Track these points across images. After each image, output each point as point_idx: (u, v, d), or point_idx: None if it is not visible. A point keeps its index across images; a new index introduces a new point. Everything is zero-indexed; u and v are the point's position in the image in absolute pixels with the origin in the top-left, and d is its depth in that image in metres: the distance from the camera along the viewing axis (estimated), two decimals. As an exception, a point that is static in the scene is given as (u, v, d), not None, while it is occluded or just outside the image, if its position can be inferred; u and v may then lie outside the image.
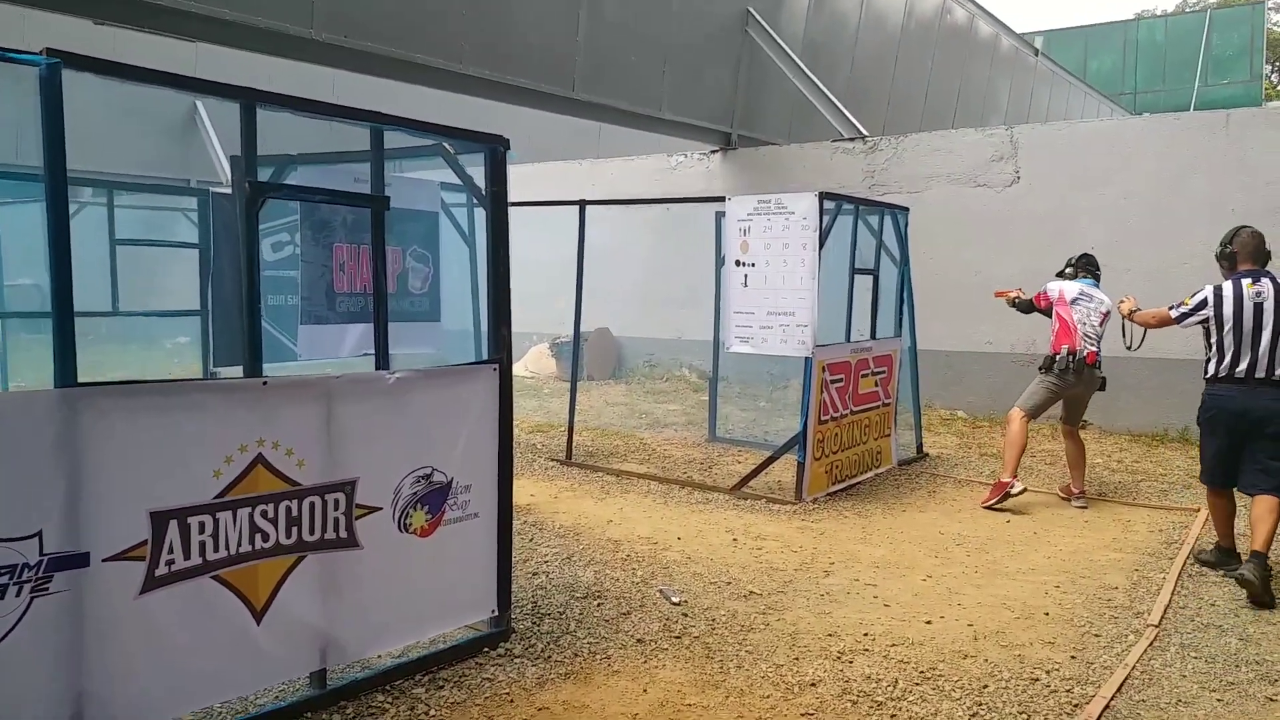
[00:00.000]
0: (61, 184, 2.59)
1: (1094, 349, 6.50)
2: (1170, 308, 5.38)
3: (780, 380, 10.83)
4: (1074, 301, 6.55)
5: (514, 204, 8.19)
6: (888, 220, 7.62)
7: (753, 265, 6.59)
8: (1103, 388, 6.67)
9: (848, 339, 7.22)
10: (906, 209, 7.76)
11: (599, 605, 4.48)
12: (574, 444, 8.45)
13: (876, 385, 7.46)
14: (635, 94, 10.11)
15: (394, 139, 3.88)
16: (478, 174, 3.96)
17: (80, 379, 2.67)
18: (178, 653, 2.92)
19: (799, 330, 6.40)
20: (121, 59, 2.73)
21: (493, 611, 3.97)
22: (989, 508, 6.45)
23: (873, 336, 7.41)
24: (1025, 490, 6.46)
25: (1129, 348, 6.03)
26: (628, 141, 14.16)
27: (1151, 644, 4.15)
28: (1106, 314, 6.59)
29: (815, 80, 11.19)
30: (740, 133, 11.83)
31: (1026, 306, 6.95)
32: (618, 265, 12.24)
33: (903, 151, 10.40)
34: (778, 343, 6.53)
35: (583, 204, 7.46)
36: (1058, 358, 6.50)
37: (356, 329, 5.57)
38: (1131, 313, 5.79)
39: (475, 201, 4.34)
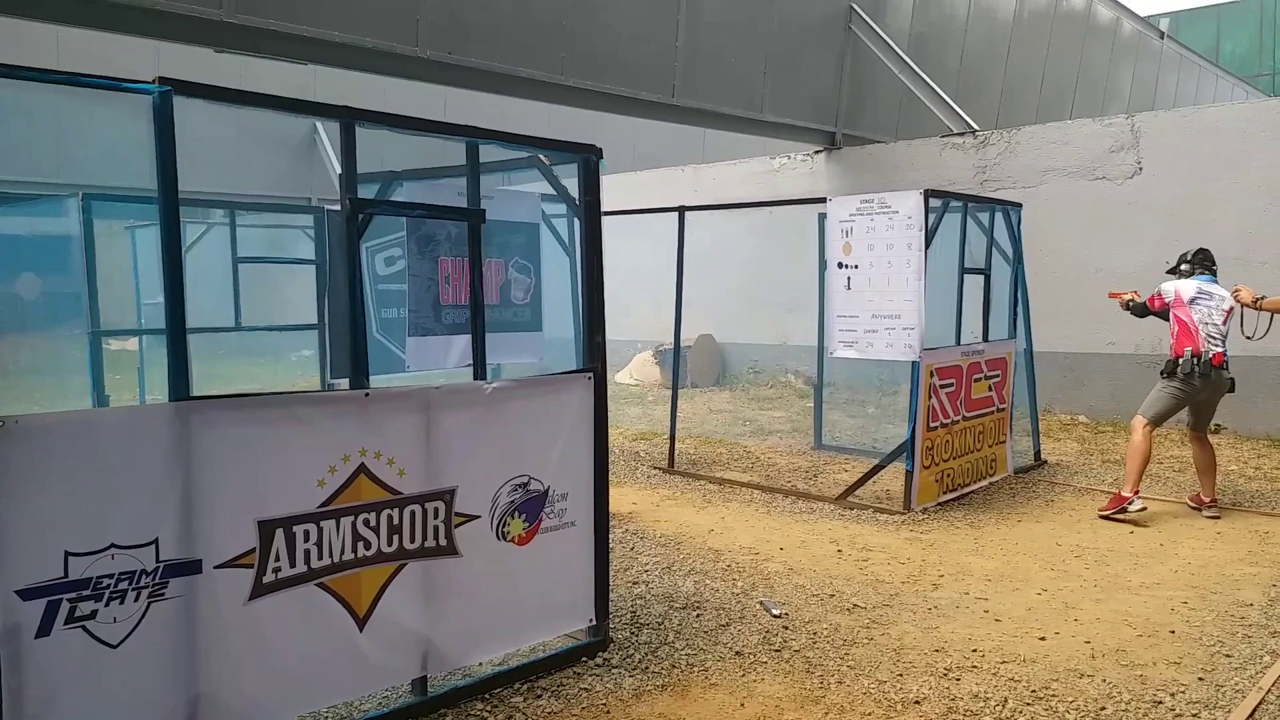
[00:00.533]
0: (173, 205, 2.71)
1: (1220, 349, 6.10)
2: None
3: (890, 386, 10.59)
4: (1193, 301, 6.15)
5: (613, 212, 8.25)
6: (999, 217, 7.33)
7: (856, 267, 6.44)
8: (1231, 389, 6.25)
9: (958, 342, 6.98)
10: (1019, 205, 7.46)
11: (698, 616, 4.44)
12: (677, 452, 8.44)
13: (990, 390, 7.20)
14: (736, 96, 10.04)
15: (492, 153, 3.95)
16: (575, 184, 3.99)
17: (210, 391, 2.79)
18: (285, 657, 3.02)
19: (905, 333, 6.22)
20: (245, 84, 2.85)
21: (590, 621, 3.98)
22: (1105, 517, 6.13)
23: (985, 339, 7.15)
24: (1145, 509, 6.08)
25: (1250, 337, 5.63)
26: (733, 145, 14.08)
27: (1291, 667, 3.86)
28: (1230, 310, 6.18)
29: (922, 75, 10.89)
30: (845, 131, 11.62)
31: (1141, 310, 6.58)
32: (720, 271, 12.21)
33: (1015, 145, 10.02)
34: (883, 346, 6.36)
35: (682, 210, 7.44)
36: (1180, 361, 6.11)
37: (462, 340, 5.68)
38: (1258, 300, 5.43)
39: (572, 212, 4.36)
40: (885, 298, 6.29)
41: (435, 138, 3.38)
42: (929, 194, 6.08)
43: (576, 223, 6.02)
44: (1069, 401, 9.63)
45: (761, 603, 4.62)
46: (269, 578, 2.97)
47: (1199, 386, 6.14)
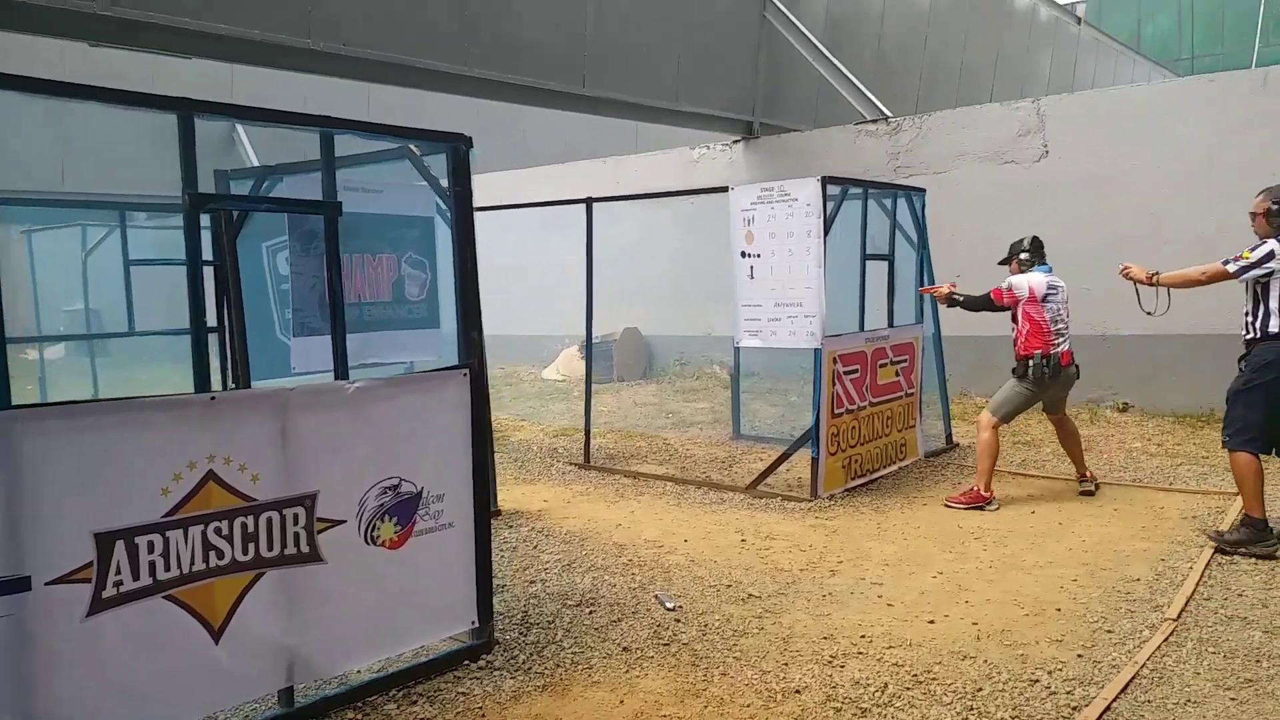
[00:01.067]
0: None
1: (1067, 347, 6.12)
2: (1225, 262, 5.07)
3: (811, 374, 10.62)
4: (1045, 299, 6.06)
5: (520, 205, 8.14)
6: (904, 203, 7.38)
7: (758, 256, 6.43)
8: (1078, 376, 6.31)
9: (861, 328, 7.02)
10: (923, 190, 7.52)
11: (590, 613, 4.39)
12: (596, 447, 8.39)
13: (898, 375, 7.25)
14: (649, 87, 9.97)
15: (364, 144, 3.84)
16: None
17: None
18: (133, 674, 2.89)
19: (807, 321, 6.23)
20: (158, 84, 2.71)
21: (473, 623, 3.89)
22: (950, 507, 6.12)
23: (890, 325, 7.19)
24: (999, 508, 6.06)
25: (1151, 313, 5.63)
26: (666, 136, 13.92)
27: (1167, 639, 3.93)
28: (1068, 299, 6.21)
29: (836, 63, 10.94)
30: (763, 120, 11.64)
31: (980, 303, 6.37)
32: (644, 263, 12.17)
33: (927, 131, 10.12)
34: (786, 335, 6.37)
35: (589, 201, 7.37)
36: (1032, 363, 6.05)
37: (352, 339, 5.55)
38: (1152, 276, 5.48)
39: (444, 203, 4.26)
40: (787, 286, 6.29)
41: (288, 128, 3.25)
42: (826, 181, 6.09)
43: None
44: (983, 384, 9.71)
45: (656, 596, 4.58)
46: (110, 592, 2.84)
47: (1050, 385, 6.14)
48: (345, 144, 3.82)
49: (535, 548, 5.48)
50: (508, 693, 3.58)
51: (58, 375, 10.31)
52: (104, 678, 2.84)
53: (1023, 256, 6.28)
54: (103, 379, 9.04)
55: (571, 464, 7.79)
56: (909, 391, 7.40)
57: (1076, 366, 6.23)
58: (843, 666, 3.77)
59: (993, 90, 17.11)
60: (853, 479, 6.69)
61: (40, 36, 6.22)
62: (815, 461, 6.34)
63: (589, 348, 7.81)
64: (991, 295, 6.26)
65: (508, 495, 6.78)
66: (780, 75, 11.61)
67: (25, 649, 2.67)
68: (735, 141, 11.86)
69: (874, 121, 10.58)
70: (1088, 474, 6.45)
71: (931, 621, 4.23)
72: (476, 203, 3.87)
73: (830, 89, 11.36)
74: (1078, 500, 6.28)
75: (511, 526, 5.93)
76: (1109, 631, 4.06)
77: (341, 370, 3.49)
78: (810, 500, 6.33)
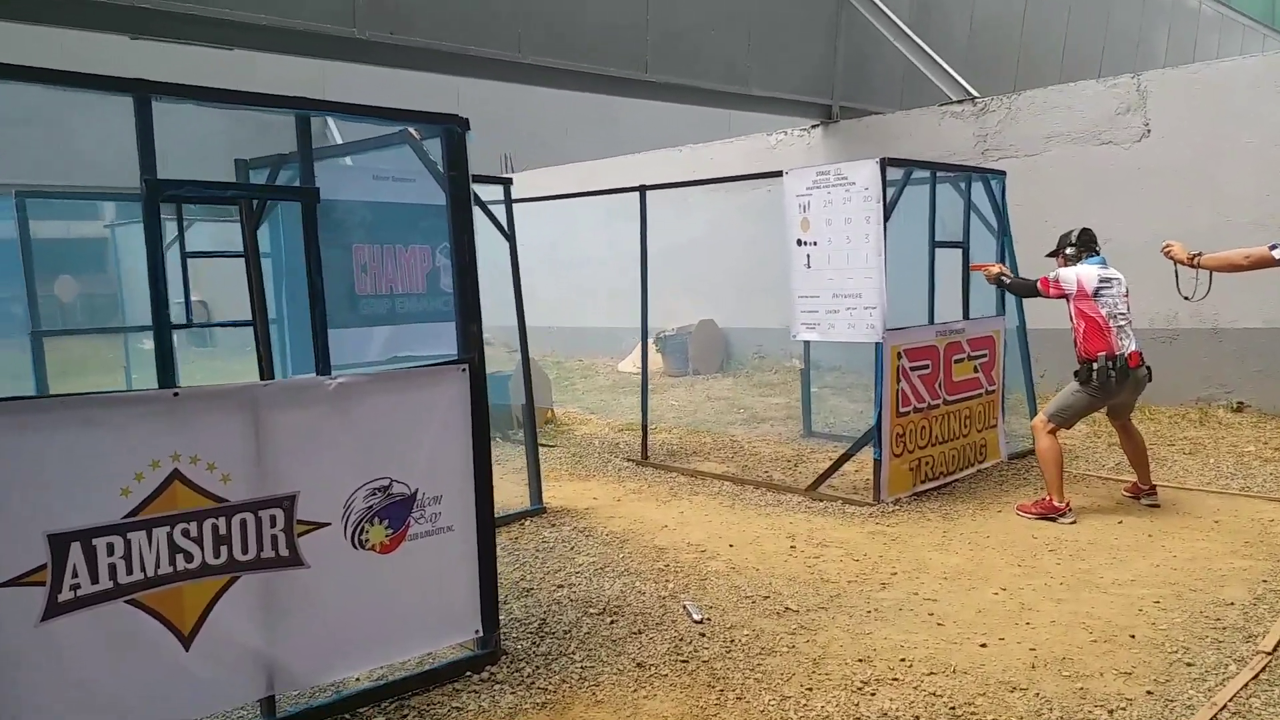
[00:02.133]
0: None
1: (1135, 347, 5.50)
2: (1273, 247, 4.52)
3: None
4: (1097, 293, 5.48)
5: (569, 195, 7.91)
6: (981, 187, 6.84)
7: (815, 244, 6.04)
8: (1150, 379, 5.68)
9: (931, 320, 6.53)
10: (1002, 172, 6.96)
11: (611, 623, 4.11)
12: (659, 443, 8.13)
13: (976, 371, 6.73)
14: (717, 71, 9.60)
15: (366, 130, 3.65)
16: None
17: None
18: (94, 682, 2.76)
19: (867, 313, 5.81)
20: (247, 80, 2.60)
21: (476, 632, 3.67)
22: (1023, 515, 5.61)
23: (965, 317, 6.68)
24: (1076, 521, 5.46)
25: (1188, 298, 5.06)
26: (760, 122, 13.43)
27: (1256, 676, 3.42)
28: (1128, 292, 5.61)
29: (920, 42, 10.35)
30: (843, 104, 11.12)
31: (1026, 289, 5.89)
32: (721, 253, 11.82)
33: (1016, 111, 9.46)
34: (845, 328, 5.96)
35: (643, 189, 7.08)
36: (1096, 368, 5.46)
37: (384, 331, 5.43)
38: (1194, 257, 4.90)
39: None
40: (846, 276, 5.88)
41: (255, 110, 3.08)
42: (886, 163, 5.65)
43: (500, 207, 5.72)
44: (1078, 380, 9.07)
45: (684, 607, 4.27)
46: (66, 595, 2.70)
47: (1116, 390, 5.54)
48: (361, 130, 3.65)
49: (572, 549, 5.24)
50: (503, 710, 3.33)
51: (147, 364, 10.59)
52: (63, 685, 2.70)
53: (1069, 251, 5.73)
54: (200, 369, 9.24)
55: (629, 460, 7.53)
56: (989, 389, 6.87)
57: (1148, 369, 5.62)
58: (873, 695, 3.39)
59: (1100, 71, 16.07)
60: (922, 482, 6.23)
61: (88, 31, 6.28)
62: (878, 463, 5.92)
63: (644, 341, 7.53)
64: (1039, 284, 5.74)
65: (559, 491, 6.57)
66: (861, 56, 11.08)
67: (-28, 654, 2.55)
68: (814, 126, 11.38)
69: (959, 102, 9.97)
70: (1151, 486, 5.83)
71: (984, 645, 3.80)
72: (557, 191, 3.64)
73: (915, 70, 10.77)
74: (1173, 511, 5.68)
75: (554, 525, 5.71)
76: (1189, 664, 3.56)
77: (324, 366, 3.30)
78: (873, 505, 5.91)
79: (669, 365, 12.23)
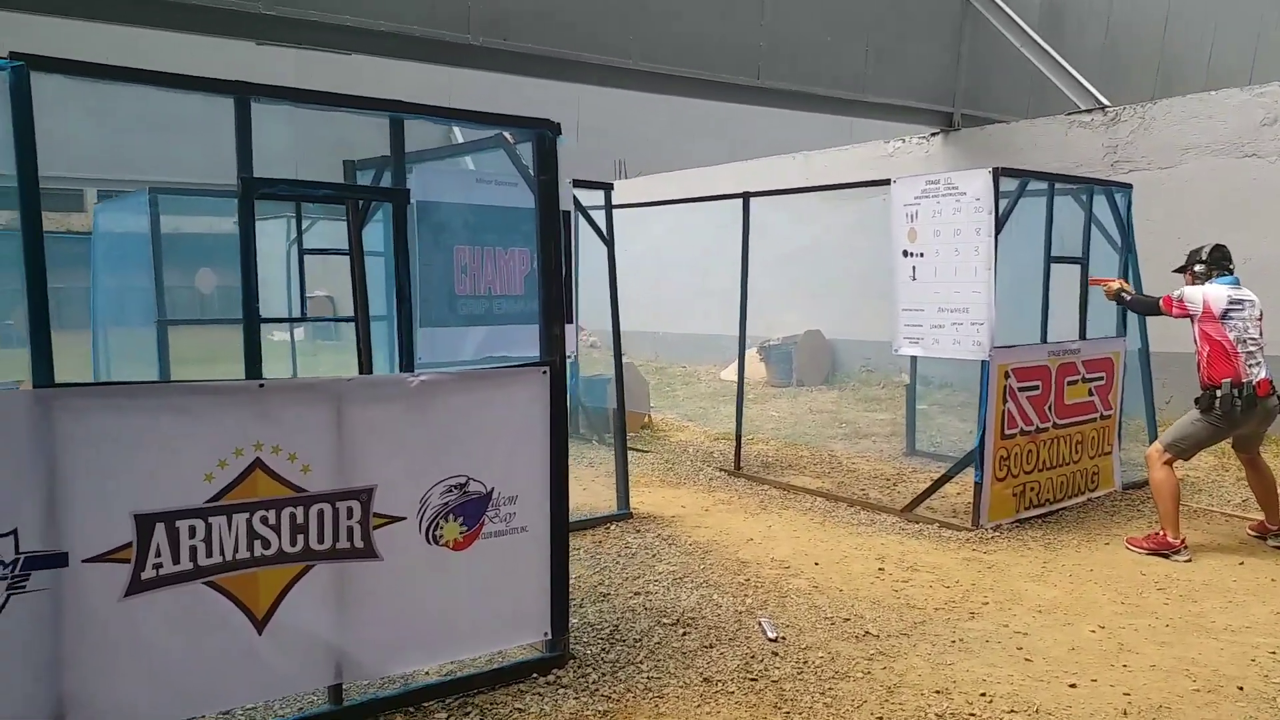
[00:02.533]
0: (33, 189, 2.60)
1: (1265, 375, 5.08)
2: None
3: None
4: (1226, 316, 5.10)
5: (674, 201, 7.88)
6: (1103, 201, 6.49)
7: (921, 255, 5.84)
8: (1279, 409, 5.24)
9: (1044, 339, 6.22)
10: (1128, 186, 6.59)
11: (684, 634, 4.06)
12: (754, 454, 8.04)
13: (1091, 394, 6.39)
14: (832, 77, 9.41)
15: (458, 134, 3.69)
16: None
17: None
18: (168, 658, 2.88)
19: (974, 329, 5.58)
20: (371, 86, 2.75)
21: (545, 634, 3.67)
22: (1132, 549, 5.27)
23: (1082, 336, 6.35)
24: (1192, 559, 5.11)
25: None
26: (882, 129, 13.15)
27: (1381, 744, 3.11)
28: (1262, 316, 5.20)
29: (1048, 48, 9.92)
30: (965, 111, 10.75)
31: (1148, 306, 5.55)
32: (831, 263, 11.59)
33: (1150, 121, 8.95)
34: (950, 344, 5.74)
35: (746, 196, 7.00)
36: (1220, 395, 5.08)
37: (479, 331, 5.51)
38: None
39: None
40: (953, 289, 5.67)
41: (354, 113, 3.15)
42: (1000, 172, 5.42)
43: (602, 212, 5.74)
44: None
45: (760, 623, 4.18)
46: (148, 574, 2.83)
47: (1241, 420, 5.13)
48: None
49: (654, 556, 5.20)
50: (565, 714, 3.32)
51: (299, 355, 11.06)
52: (140, 658, 2.83)
53: (1198, 268, 5.36)
54: (325, 361, 9.63)
55: (721, 470, 7.45)
56: (1105, 413, 6.51)
57: (1279, 397, 5.21)
58: (948, 729, 3.24)
59: (1251, 79, 15.08)
60: (1026, 509, 5.95)
61: (216, 37, 6.61)
62: (978, 487, 5.68)
63: (741, 350, 7.44)
64: (1161, 302, 5.39)
65: (648, 497, 6.55)
66: (985, 62, 10.68)
67: (60, 625, 2.69)
68: (934, 134, 11.04)
69: (1088, 111, 9.50)
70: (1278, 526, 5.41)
71: (1073, 685, 3.59)
72: (669, 196, 3.64)
73: (1042, 77, 10.33)
74: (1304, 553, 5.26)
75: (639, 531, 5.69)
76: (1303, 723, 3.28)
77: (408, 363, 3.36)
78: (971, 530, 5.67)
79: (773, 375, 12.07)
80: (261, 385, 2.99)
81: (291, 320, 7.16)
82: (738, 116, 19.18)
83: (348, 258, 3.25)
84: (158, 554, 2.84)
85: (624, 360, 6.21)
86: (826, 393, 11.69)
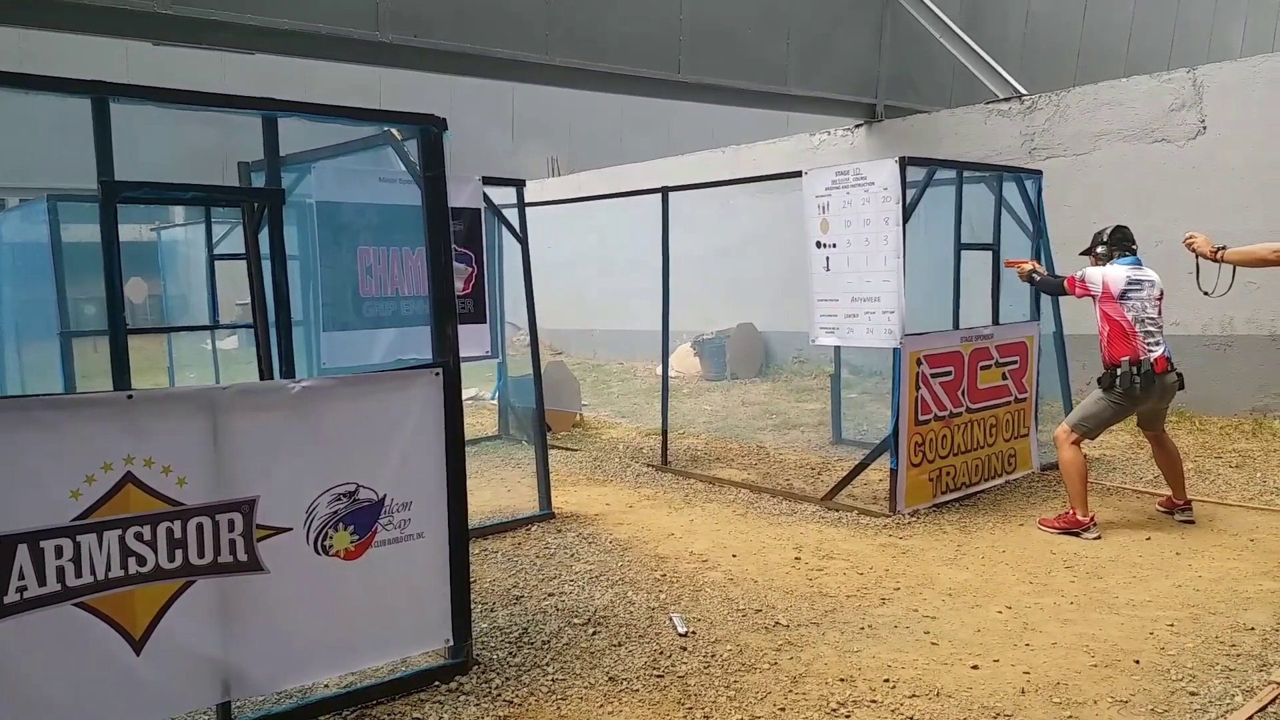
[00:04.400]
0: None
1: (1162, 352, 5.22)
2: None
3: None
4: (1124, 296, 5.22)
5: (594, 197, 7.83)
6: (1014, 188, 6.58)
7: (834, 246, 5.87)
8: (1181, 386, 5.39)
9: (956, 326, 6.30)
10: (1038, 172, 6.70)
11: (594, 634, 4.03)
12: (684, 448, 8.04)
13: (1005, 378, 6.48)
14: (754, 70, 9.43)
15: (340, 132, 3.63)
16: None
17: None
18: (41, 684, 2.76)
19: (885, 318, 5.62)
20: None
21: (447, 641, 3.61)
22: (1045, 529, 5.37)
23: (995, 322, 6.44)
24: (1101, 537, 5.21)
25: (1208, 294, 4.81)
26: (815, 123, 13.19)
27: (1263, 709, 3.18)
28: (1161, 295, 5.34)
29: (967, 39, 10.05)
30: (888, 103, 10.86)
31: (1055, 287, 5.72)
32: (762, 256, 11.64)
33: (1065, 109, 9.12)
34: (864, 333, 5.78)
35: (665, 190, 6.98)
36: (1119, 373, 5.21)
37: (387, 334, 5.42)
38: (1217, 250, 4.66)
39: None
40: (864, 279, 5.71)
41: (225, 112, 3.06)
42: (906, 161, 5.46)
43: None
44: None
45: (670, 618, 4.17)
46: (12, 598, 2.71)
47: (1141, 397, 5.27)
48: (344, 132, 3.63)
49: (572, 556, 5.16)
50: (464, 722, 3.27)
51: (230, 364, 10.78)
52: (9, 687, 2.71)
53: (1100, 250, 5.48)
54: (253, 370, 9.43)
55: (649, 465, 7.43)
56: (1020, 396, 6.61)
57: (1180, 375, 5.35)
58: (848, 717, 3.25)
59: (1169, 64, 15.46)
60: (943, 493, 6.02)
61: (107, 37, 6.41)
62: (894, 473, 5.73)
63: (664, 346, 7.43)
64: (1065, 283, 5.55)
65: (572, 496, 6.51)
66: (907, 54, 10.80)
67: (-84, 654, 2.58)
68: (858, 125, 11.14)
69: (1006, 100, 9.65)
70: (1187, 502, 5.54)
71: (975, 667, 3.63)
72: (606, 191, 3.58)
73: (963, 68, 10.46)
74: (1208, 528, 5.39)
75: (559, 531, 5.64)
76: (1192, 693, 3.34)
77: (287, 369, 3.28)
78: (889, 516, 5.72)
79: (707, 369, 12.09)
80: (130, 396, 2.89)
81: (201, 329, 6.98)
82: (674, 112, 19.19)
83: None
84: (21, 576, 2.72)
85: (556, 358, 6.18)
86: (759, 385, 11.74)
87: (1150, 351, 5.20)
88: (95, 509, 2.82)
